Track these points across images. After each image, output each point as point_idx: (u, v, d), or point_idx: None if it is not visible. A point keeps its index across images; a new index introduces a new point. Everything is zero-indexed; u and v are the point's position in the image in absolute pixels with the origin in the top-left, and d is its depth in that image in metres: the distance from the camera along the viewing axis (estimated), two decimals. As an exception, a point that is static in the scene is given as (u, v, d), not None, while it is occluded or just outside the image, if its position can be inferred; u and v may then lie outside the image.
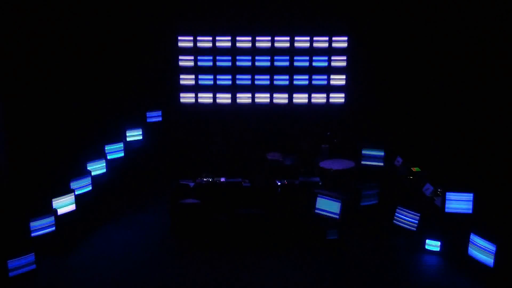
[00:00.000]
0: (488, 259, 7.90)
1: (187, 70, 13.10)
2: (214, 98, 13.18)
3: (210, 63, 13.05)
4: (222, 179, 10.14)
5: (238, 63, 13.02)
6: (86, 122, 11.92)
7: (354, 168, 10.85)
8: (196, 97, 13.20)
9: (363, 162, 11.17)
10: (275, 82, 13.09)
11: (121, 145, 11.56)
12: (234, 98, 13.15)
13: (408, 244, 9.04)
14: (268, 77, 13.08)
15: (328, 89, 13.09)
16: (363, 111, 12.93)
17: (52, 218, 8.76)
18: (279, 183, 9.84)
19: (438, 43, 12.10)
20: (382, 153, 11.09)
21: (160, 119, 12.92)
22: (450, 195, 9.17)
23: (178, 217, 9.39)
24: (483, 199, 9.20)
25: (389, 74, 12.73)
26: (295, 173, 10.66)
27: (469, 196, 9.14)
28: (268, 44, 12.89)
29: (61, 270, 8.15)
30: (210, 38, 12.88)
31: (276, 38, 12.84)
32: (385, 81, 12.77)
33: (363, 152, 11.17)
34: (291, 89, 13.12)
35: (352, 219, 9.57)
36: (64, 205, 9.27)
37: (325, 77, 13.04)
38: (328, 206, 9.24)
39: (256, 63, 13.00)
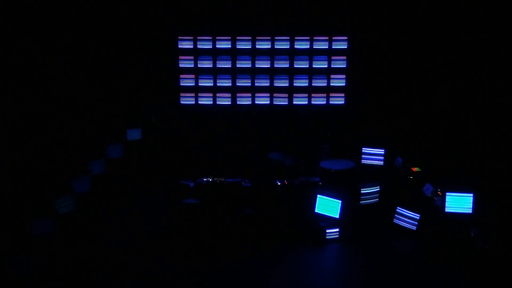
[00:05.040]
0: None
1: (187, 71, 13.11)
2: (214, 99, 13.19)
3: (210, 64, 13.06)
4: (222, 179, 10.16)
5: (238, 64, 13.03)
6: (86, 122, 11.94)
7: (354, 168, 10.86)
8: (196, 98, 13.21)
9: (363, 161, 11.20)
10: (275, 83, 13.10)
11: (121, 145, 11.58)
12: (234, 99, 13.17)
13: (408, 244, 9.04)
14: (268, 78, 13.09)
15: (328, 90, 13.10)
16: (363, 111, 12.94)
17: (52, 218, 8.76)
18: (279, 183, 9.85)
19: (439, 43, 12.12)
20: (382, 152, 11.13)
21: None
22: (450, 195, 9.18)
23: (178, 217, 9.39)
24: (483, 199, 9.21)
25: (389, 74, 12.75)
26: (295, 173, 10.66)
27: (469, 196, 9.15)
28: (268, 45, 12.91)
29: (61, 270, 8.14)
30: (210, 39, 12.90)
31: (276, 39, 12.86)
32: (385, 81, 12.78)
33: (364, 150, 11.20)
34: (291, 90, 13.13)
35: (352, 218, 9.56)
36: (64, 205, 9.28)
37: (325, 78, 13.06)
38: (328, 205, 9.25)
39: (256, 64, 13.02)
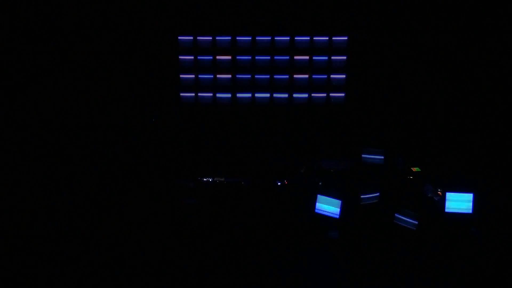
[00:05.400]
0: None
1: (187, 70, 13.10)
2: (214, 97, 13.18)
3: (210, 63, 13.05)
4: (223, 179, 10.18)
5: (238, 64, 13.01)
6: (87, 121, 11.93)
7: (354, 168, 10.86)
8: (197, 96, 13.20)
9: (363, 161, 11.19)
10: (275, 82, 13.08)
11: (122, 145, 11.58)
12: (234, 97, 13.16)
13: (407, 243, 9.05)
14: (268, 76, 13.08)
15: (328, 88, 13.09)
16: (363, 111, 12.93)
17: (55, 217, 8.77)
18: (279, 183, 9.86)
19: (438, 43, 12.10)
20: (382, 152, 11.12)
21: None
22: (450, 195, 9.18)
23: (178, 217, 9.40)
24: (483, 199, 9.21)
25: (389, 74, 12.74)
26: (295, 173, 10.66)
27: (469, 196, 9.15)
28: (268, 44, 12.89)
29: (62, 270, 8.14)
30: (210, 38, 12.88)
31: (276, 38, 12.84)
32: (385, 81, 12.77)
33: (364, 150, 11.20)
34: (291, 89, 13.11)
35: (352, 218, 9.56)
36: (68, 204, 9.28)
37: (325, 76, 13.04)
38: (328, 205, 9.25)
39: (256, 63, 13.00)
